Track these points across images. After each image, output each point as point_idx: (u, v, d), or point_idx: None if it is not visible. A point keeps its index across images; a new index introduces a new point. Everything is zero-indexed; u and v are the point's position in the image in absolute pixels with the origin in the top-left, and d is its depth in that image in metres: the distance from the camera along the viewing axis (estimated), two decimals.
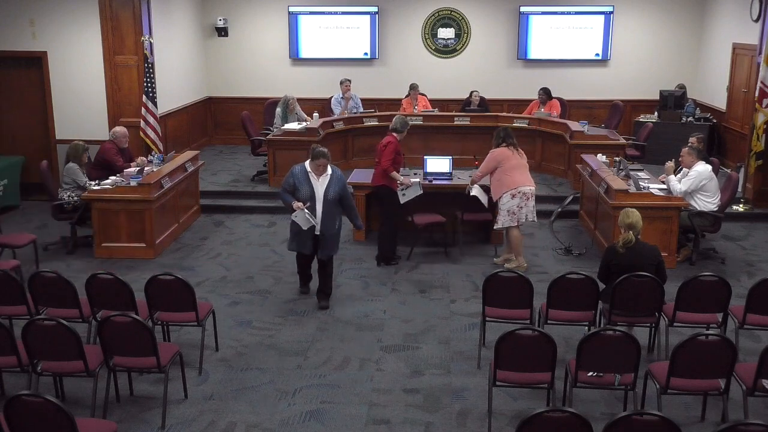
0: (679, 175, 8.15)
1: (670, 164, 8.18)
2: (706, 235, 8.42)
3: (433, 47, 13.50)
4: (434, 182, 8.67)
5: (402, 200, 8.04)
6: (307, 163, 6.76)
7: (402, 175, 8.09)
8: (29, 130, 10.74)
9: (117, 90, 10.50)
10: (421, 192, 8.14)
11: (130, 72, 10.45)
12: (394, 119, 8.22)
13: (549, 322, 5.78)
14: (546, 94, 11.87)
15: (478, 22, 13.38)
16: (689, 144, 8.32)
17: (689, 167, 8.01)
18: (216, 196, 10.30)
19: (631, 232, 5.65)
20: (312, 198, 6.69)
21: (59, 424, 3.85)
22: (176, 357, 5.15)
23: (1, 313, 5.73)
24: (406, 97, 12.28)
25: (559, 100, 12.04)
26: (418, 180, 8.26)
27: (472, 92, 12.30)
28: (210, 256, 8.41)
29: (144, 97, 10.17)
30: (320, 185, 6.73)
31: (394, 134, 8.03)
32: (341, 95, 11.83)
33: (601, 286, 5.79)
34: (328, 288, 7.05)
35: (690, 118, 12.04)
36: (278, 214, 9.92)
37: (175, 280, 5.53)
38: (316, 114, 11.47)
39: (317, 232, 6.78)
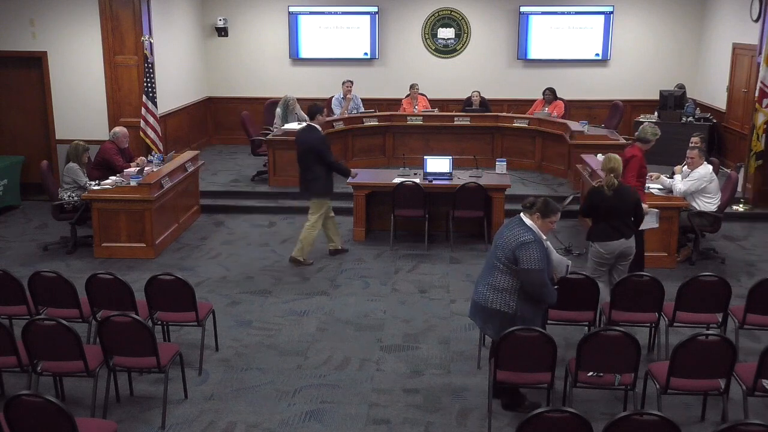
0: (678, 176, 8.15)
1: (679, 167, 8.22)
2: (706, 235, 8.42)
3: (433, 47, 13.50)
4: (434, 182, 8.69)
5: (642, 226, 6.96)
6: (530, 223, 4.89)
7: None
8: (29, 130, 10.74)
9: (117, 90, 10.50)
10: (657, 225, 7.15)
11: (130, 72, 10.45)
12: (642, 127, 7.35)
13: (549, 322, 5.76)
14: (552, 94, 11.89)
15: (478, 22, 13.38)
16: (694, 144, 8.24)
17: (694, 168, 7.99)
18: (216, 196, 10.30)
19: (612, 174, 6.16)
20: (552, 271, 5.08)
21: (59, 424, 3.85)
22: (176, 357, 5.14)
23: (1, 313, 5.73)
24: (406, 97, 12.29)
25: (563, 101, 12.05)
26: (657, 211, 7.17)
27: (473, 92, 12.30)
28: (210, 256, 8.41)
29: (144, 97, 10.17)
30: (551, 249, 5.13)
31: (639, 144, 7.17)
32: (342, 95, 11.83)
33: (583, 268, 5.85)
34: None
35: (690, 118, 12.04)
36: (278, 214, 9.94)
37: (175, 280, 5.53)
38: None
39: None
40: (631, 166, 7.00)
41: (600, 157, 9.35)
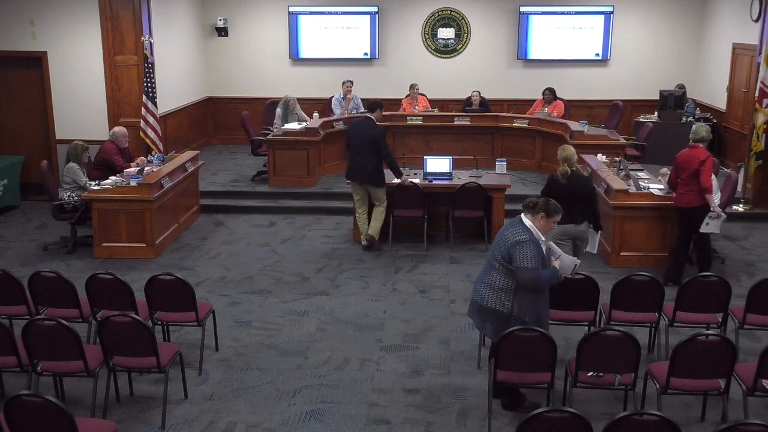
0: None
1: (665, 170, 8.20)
2: None
3: (433, 47, 13.50)
4: (434, 182, 8.69)
5: (703, 229, 7.18)
6: (529, 224, 4.92)
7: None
8: (29, 130, 10.74)
9: (117, 90, 10.50)
10: (718, 231, 7.36)
11: (130, 72, 10.45)
12: (695, 129, 7.32)
13: (550, 322, 5.76)
14: (551, 94, 11.89)
15: (478, 22, 13.38)
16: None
17: None
18: (216, 196, 10.30)
19: (566, 164, 6.64)
20: None
21: (59, 424, 3.85)
22: (176, 357, 5.14)
23: (1, 313, 5.73)
24: (406, 97, 12.29)
25: (562, 101, 12.04)
26: (724, 216, 7.30)
27: (473, 92, 12.30)
28: (210, 256, 8.41)
29: (144, 97, 10.17)
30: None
31: (702, 145, 7.18)
32: (342, 95, 11.83)
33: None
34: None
35: (690, 118, 12.03)
36: (278, 214, 9.94)
37: (175, 280, 5.53)
38: (316, 114, 11.48)
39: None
40: (708, 166, 7.16)
41: (600, 156, 9.40)
